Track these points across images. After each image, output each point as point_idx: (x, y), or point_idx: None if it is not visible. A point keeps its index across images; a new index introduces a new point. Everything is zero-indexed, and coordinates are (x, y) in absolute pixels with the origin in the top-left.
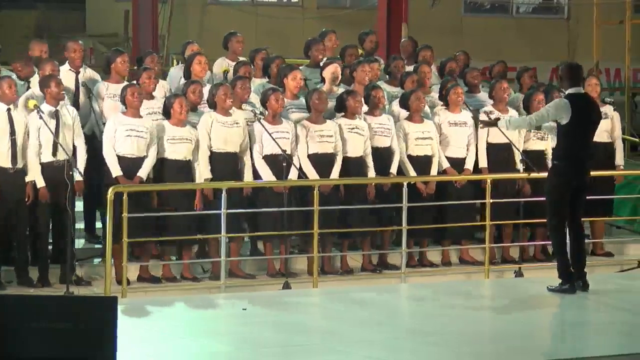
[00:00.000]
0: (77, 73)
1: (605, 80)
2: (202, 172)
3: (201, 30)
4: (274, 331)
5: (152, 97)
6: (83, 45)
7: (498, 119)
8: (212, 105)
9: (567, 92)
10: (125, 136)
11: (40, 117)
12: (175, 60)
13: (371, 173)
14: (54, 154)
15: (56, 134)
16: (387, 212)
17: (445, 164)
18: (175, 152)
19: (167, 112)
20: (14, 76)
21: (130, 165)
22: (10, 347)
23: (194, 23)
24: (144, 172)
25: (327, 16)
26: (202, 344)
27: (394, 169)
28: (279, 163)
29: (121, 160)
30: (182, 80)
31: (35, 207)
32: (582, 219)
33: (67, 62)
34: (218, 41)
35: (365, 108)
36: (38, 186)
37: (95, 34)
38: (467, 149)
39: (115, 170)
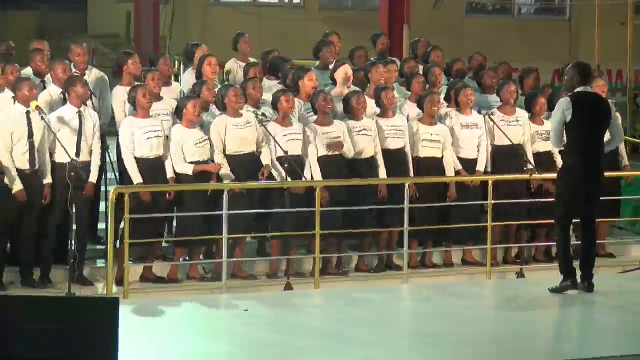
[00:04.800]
0: (83, 75)
1: (607, 82)
2: (224, 172)
3: (203, 32)
4: (275, 332)
5: (159, 99)
6: (87, 48)
7: None
8: (221, 106)
9: (574, 92)
10: (146, 139)
11: (42, 119)
12: (177, 62)
13: (382, 172)
14: (56, 156)
15: (79, 135)
16: (396, 213)
17: (458, 167)
18: (196, 154)
19: (179, 114)
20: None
21: (154, 165)
22: (11, 348)
23: (195, 24)
24: (170, 173)
25: (329, 17)
26: (204, 345)
27: (412, 171)
28: (282, 165)
29: (145, 162)
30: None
31: (43, 208)
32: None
33: (72, 64)
34: (219, 42)
35: (378, 110)
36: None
37: (97, 35)
38: (478, 151)
39: (137, 178)
